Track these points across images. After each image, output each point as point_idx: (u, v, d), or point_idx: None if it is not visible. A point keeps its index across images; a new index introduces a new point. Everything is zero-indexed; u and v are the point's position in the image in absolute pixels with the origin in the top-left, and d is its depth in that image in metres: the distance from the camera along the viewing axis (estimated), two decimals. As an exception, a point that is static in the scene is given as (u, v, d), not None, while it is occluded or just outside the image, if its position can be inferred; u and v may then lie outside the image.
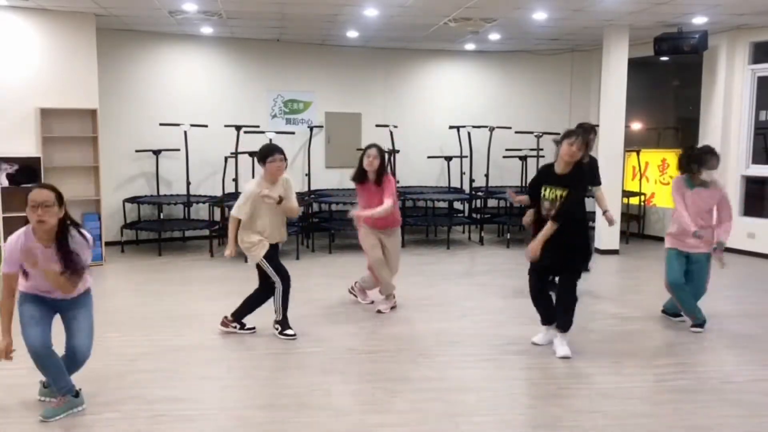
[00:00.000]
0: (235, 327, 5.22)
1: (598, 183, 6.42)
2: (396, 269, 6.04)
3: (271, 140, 8.79)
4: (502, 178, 10.51)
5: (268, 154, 5.07)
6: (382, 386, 4.19)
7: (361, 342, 5.12)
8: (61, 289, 3.70)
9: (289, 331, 5.12)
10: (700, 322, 5.36)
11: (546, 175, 4.78)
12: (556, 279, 5.01)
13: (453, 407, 3.89)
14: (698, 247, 5.30)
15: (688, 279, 5.37)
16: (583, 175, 4.77)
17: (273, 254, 5.12)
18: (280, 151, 5.12)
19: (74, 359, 3.82)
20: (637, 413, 3.82)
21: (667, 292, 5.50)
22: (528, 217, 4.97)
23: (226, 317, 5.26)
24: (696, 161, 5.24)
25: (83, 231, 3.75)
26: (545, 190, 4.69)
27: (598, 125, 6.24)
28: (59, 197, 3.61)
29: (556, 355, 4.72)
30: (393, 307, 6.02)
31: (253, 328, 5.23)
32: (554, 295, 4.92)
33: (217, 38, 9.51)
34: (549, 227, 4.60)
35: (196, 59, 9.56)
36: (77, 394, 3.79)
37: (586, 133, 5.56)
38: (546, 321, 4.95)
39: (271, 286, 5.14)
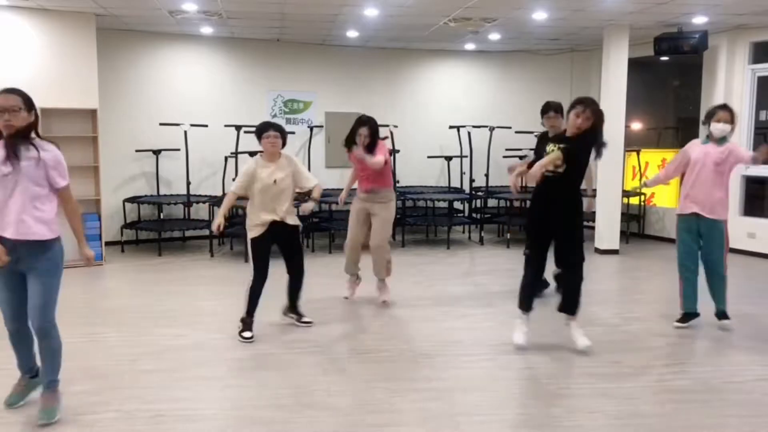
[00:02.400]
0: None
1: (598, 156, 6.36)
2: (377, 242, 5.89)
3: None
4: (502, 178, 10.49)
5: (262, 130, 5.14)
6: (382, 386, 4.19)
7: (361, 342, 5.12)
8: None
9: (246, 334, 5.03)
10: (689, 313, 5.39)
11: (552, 137, 4.83)
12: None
13: (453, 407, 3.89)
14: (712, 212, 5.17)
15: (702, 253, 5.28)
16: (588, 141, 4.65)
17: (264, 243, 5.08)
18: (276, 128, 5.14)
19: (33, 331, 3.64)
20: (637, 413, 3.82)
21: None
22: (517, 175, 4.85)
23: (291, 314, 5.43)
24: (707, 116, 5.24)
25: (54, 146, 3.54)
26: (549, 147, 4.69)
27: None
28: (28, 102, 3.48)
29: (578, 346, 4.76)
30: (347, 297, 6.21)
31: (311, 321, 5.38)
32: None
33: (217, 38, 9.51)
34: (554, 156, 4.51)
35: (196, 59, 9.56)
36: (35, 375, 3.81)
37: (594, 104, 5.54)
38: (529, 307, 4.91)
39: (294, 269, 5.28)
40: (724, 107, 5.25)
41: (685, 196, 5.29)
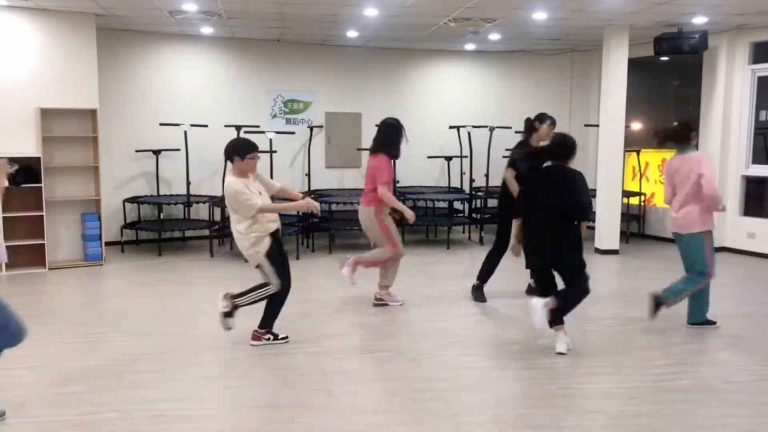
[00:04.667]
0: (269, 338, 4.93)
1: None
2: None
3: (271, 140, 8.81)
4: (502, 177, 10.49)
5: (249, 149, 4.74)
6: (382, 386, 4.19)
7: (361, 342, 5.13)
8: None
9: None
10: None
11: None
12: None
13: (453, 407, 3.89)
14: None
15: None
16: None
17: (278, 249, 4.81)
18: (257, 147, 4.88)
19: None
20: (637, 413, 3.82)
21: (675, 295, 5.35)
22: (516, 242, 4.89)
23: (256, 330, 4.93)
24: (693, 134, 5.30)
25: None
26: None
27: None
28: None
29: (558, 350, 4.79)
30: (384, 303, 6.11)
31: (286, 337, 4.98)
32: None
33: (217, 38, 9.51)
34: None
35: (196, 59, 9.56)
36: None
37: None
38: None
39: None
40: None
41: (708, 211, 5.19)
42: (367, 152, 6.19)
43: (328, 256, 8.54)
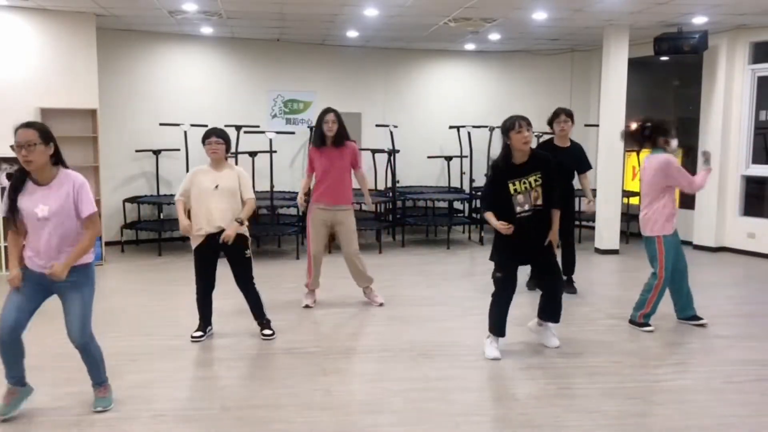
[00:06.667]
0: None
1: (587, 168, 6.48)
2: (353, 252, 5.96)
3: (271, 140, 8.81)
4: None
5: (205, 136, 5.02)
6: (382, 386, 4.19)
7: (361, 342, 5.12)
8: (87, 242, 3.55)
9: (195, 333, 5.01)
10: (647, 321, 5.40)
11: (504, 171, 4.55)
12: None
13: (453, 407, 3.89)
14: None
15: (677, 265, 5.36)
16: (547, 156, 4.65)
17: (204, 254, 4.93)
18: (218, 134, 4.99)
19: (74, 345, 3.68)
20: (637, 413, 3.82)
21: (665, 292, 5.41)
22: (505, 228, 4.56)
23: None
24: (663, 133, 5.23)
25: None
26: (513, 185, 4.51)
27: (565, 110, 6.48)
28: (45, 135, 3.47)
29: (552, 345, 4.87)
30: (379, 303, 6.07)
31: (268, 334, 5.11)
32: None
33: (217, 38, 9.51)
34: (557, 216, 4.62)
35: (196, 59, 9.56)
36: (24, 384, 3.73)
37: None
38: (503, 332, 4.80)
39: (239, 284, 5.05)
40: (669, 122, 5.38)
41: (673, 215, 5.25)
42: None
43: (327, 256, 8.52)
